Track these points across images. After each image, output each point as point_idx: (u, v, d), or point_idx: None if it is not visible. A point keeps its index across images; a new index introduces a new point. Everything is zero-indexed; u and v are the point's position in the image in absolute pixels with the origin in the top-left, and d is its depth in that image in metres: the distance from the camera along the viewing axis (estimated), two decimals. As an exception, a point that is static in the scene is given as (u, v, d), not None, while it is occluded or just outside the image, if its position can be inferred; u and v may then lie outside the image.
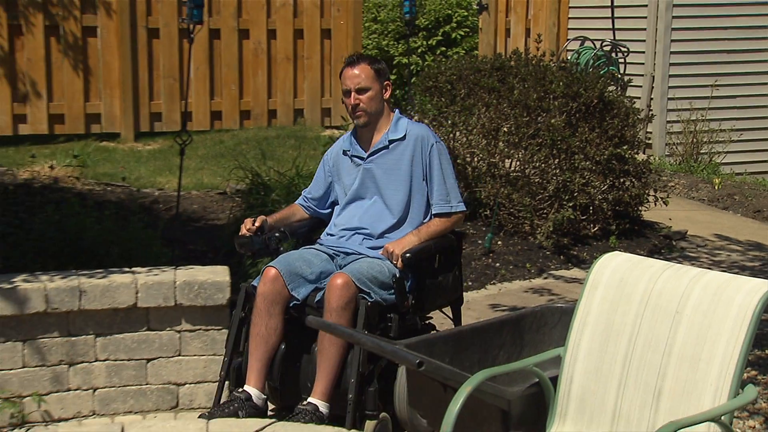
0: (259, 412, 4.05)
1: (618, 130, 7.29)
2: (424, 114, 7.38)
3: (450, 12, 11.05)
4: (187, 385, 4.69)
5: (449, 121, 7.24)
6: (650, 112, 9.53)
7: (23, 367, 4.50)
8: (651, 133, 10.60)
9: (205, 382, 4.68)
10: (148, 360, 4.63)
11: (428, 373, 3.03)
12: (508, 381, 3.29)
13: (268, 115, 9.60)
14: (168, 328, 4.64)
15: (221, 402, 4.15)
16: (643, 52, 10.74)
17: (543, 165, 7.16)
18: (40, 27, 8.41)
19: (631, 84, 10.14)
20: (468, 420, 2.93)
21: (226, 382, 4.25)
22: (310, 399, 4.01)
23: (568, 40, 11.57)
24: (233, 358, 4.23)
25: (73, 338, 4.55)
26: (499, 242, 7.07)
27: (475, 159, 7.24)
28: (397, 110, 4.56)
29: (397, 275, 4.17)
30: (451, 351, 3.45)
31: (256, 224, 4.38)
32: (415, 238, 4.30)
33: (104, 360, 4.57)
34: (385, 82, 4.45)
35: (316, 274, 4.23)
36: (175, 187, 7.34)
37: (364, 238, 4.40)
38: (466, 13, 11.14)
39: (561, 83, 7.16)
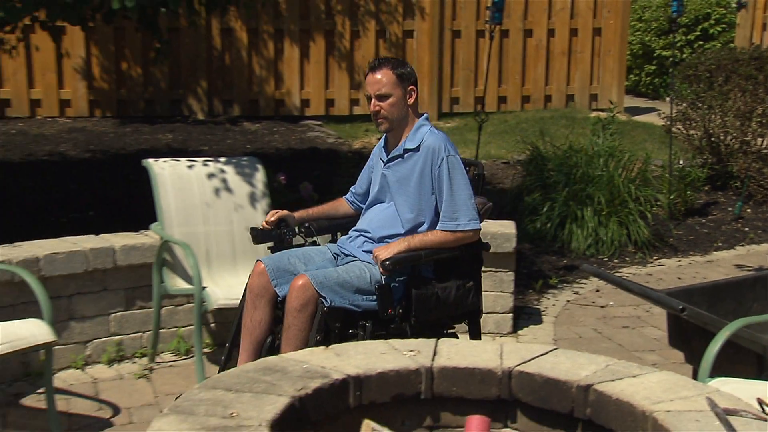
0: None
1: None
2: (682, 99, 7.14)
3: (709, 10, 10.49)
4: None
5: (706, 105, 6.97)
6: None
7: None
8: None
9: (494, 312, 4.73)
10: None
11: (689, 317, 2.90)
12: (760, 331, 3.09)
13: (544, 99, 9.45)
14: (467, 269, 4.71)
15: None
16: None
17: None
18: (372, 31, 8.70)
19: None
20: (723, 361, 2.79)
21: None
22: None
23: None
24: (234, 344, 3.58)
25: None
26: (749, 210, 6.77)
27: (728, 138, 6.99)
28: (423, 116, 3.61)
29: (382, 282, 3.39)
30: (708, 301, 3.27)
31: (273, 218, 3.68)
32: (403, 245, 3.41)
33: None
34: (409, 87, 3.51)
35: (310, 272, 3.48)
36: (469, 156, 7.40)
37: (365, 241, 3.60)
38: (724, 11, 10.53)
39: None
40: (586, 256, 5.85)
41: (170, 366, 4.23)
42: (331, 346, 2.75)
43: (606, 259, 5.85)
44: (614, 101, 7.64)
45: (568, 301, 5.27)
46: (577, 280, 5.59)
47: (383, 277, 3.38)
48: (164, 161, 4.33)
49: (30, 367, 4.05)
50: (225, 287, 4.04)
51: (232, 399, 2.43)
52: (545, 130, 7.54)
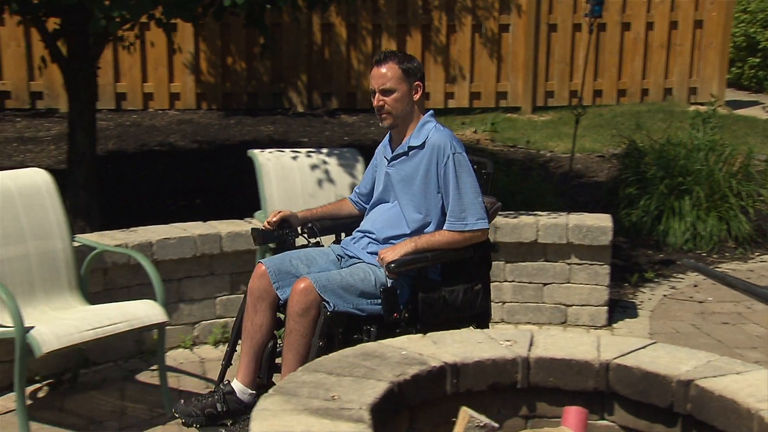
0: (242, 407, 3.26)
1: None
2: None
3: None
4: (573, 307, 4.68)
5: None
6: None
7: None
8: None
9: (588, 305, 4.65)
10: (544, 284, 4.68)
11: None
12: None
13: (641, 93, 9.18)
14: (560, 261, 4.65)
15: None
16: None
17: None
18: (468, 26, 8.63)
19: None
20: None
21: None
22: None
23: None
24: (234, 348, 3.45)
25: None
26: None
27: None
28: (428, 113, 3.41)
29: (388, 285, 3.19)
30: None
31: (275, 219, 3.47)
32: (410, 246, 3.20)
33: (511, 281, 4.68)
34: (415, 83, 3.31)
35: (313, 274, 3.25)
36: (563, 150, 7.32)
37: (370, 243, 3.38)
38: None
39: None
40: (684, 250, 5.69)
41: (272, 349, 4.31)
42: (428, 335, 2.74)
43: (704, 254, 5.67)
44: (715, 94, 7.39)
45: (665, 295, 5.13)
46: (674, 274, 5.44)
47: (389, 280, 3.18)
48: (269, 152, 4.40)
49: (144, 346, 4.20)
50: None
51: (333, 382, 2.46)
52: (642, 123, 7.35)
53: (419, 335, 2.76)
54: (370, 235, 3.37)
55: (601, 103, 9.07)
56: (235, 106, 8.32)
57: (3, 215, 3.56)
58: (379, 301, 3.14)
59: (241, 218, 4.48)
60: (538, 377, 2.52)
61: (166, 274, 4.05)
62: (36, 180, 3.74)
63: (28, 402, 3.59)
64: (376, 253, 3.25)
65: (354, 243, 3.40)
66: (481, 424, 2.29)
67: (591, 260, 4.61)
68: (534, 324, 4.67)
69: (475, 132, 7.73)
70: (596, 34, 8.68)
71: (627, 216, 5.86)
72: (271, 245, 3.53)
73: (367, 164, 4.61)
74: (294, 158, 4.42)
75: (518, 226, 4.59)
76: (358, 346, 2.73)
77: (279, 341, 3.35)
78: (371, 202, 3.50)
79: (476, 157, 3.59)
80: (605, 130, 7.93)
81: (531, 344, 2.59)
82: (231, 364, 3.45)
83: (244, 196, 4.89)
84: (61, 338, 3.25)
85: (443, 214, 3.29)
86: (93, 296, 3.84)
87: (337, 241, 3.57)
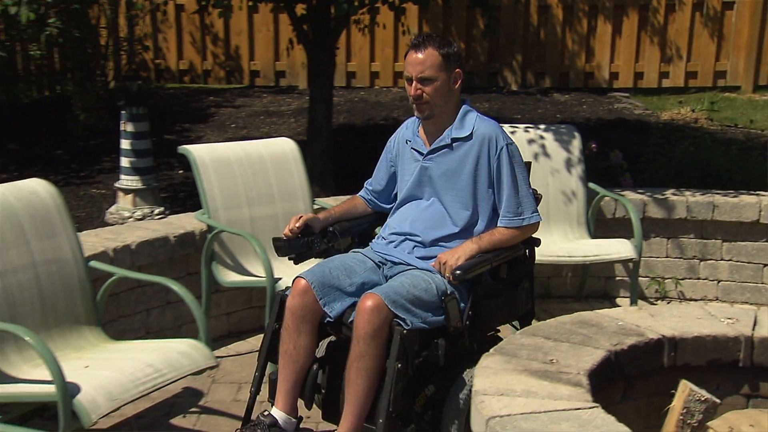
0: None
1: None
2: None
3: None
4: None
5: None
6: None
7: (666, 257, 4.52)
8: None
9: None
10: (764, 265, 4.36)
11: None
12: None
13: None
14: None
15: (250, 421, 2.87)
16: None
17: None
18: (688, 4, 8.10)
19: None
20: None
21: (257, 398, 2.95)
22: None
23: None
24: (264, 373, 2.92)
25: (705, 241, 4.45)
26: None
27: None
28: (466, 102, 2.93)
29: (448, 292, 2.73)
30: None
31: (298, 224, 2.95)
32: (473, 247, 2.78)
33: (728, 260, 4.42)
34: (456, 70, 2.83)
35: (356, 286, 2.79)
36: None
37: (415, 246, 2.89)
38: None
39: None
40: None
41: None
42: (644, 307, 2.66)
43: None
44: None
45: None
46: None
47: (448, 287, 2.75)
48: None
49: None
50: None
51: (551, 347, 2.44)
52: None
53: (635, 308, 2.68)
54: (413, 237, 2.90)
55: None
56: (454, 84, 8.36)
57: (257, 179, 3.82)
58: (441, 310, 2.70)
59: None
60: (763, 357, 2.36)
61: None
62: (284, 148, 3.97)
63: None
64: (425, 258, 2.85)
65: (394, 247, 2.92)
66: (703, 398, 2.19)
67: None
68: (751, 305, 4.37)
69: (692, 111, 7.30)
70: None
71: None
72: (291, 256, 2.99)
73: (584, 141, 4.51)
74: (512, 132, 4.38)
75: (738, 205, 4.30)
76: (575, 314, 2.69)
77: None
78: (400, 199, 3.00)
79: None
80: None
81: (755, 324, 2.44)
82: (259, 392, 2.93)
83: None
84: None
85: (493, 209, 2.88)
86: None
87: (355, 243, 3.11)
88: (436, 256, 2.80)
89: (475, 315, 2.78)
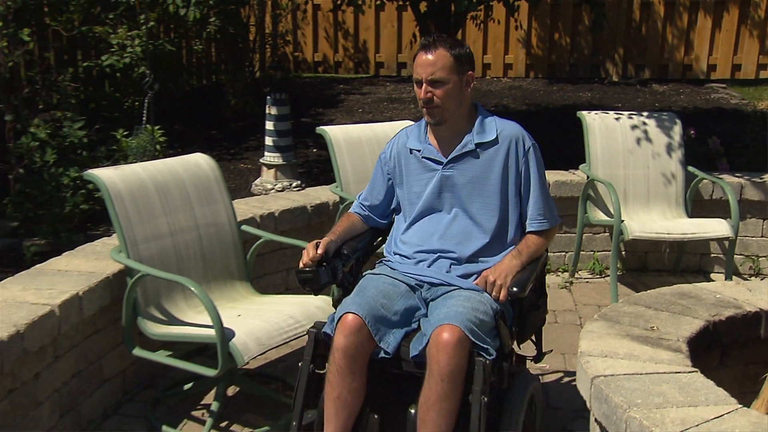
0: None
1: None
2: None
3: None
4: None
5: None
6: None
7: (762, 236, 4.26)
8: None
9: None
10: None
11: None
12: None
13: None
14: None
15: None
16: None
17: None
18: (789, -2, 7.61)
19: None
20: None
21: None
22: None
23: None
24: (302, 424, 2.26)
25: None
26: None
27: None
28: (479, 105, 2.47)
29: (499, 310, 2.27)
30: None
31: (320, 251, 2.36)
32: (516, 262, 2.33)
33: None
34: (468, 72, 2.37)
35: (399, 314, 2.26)
36: None
37: (452, 264, 2.37)
38: None
39: None
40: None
41: (586, 282, 4.21)
42: (741, 282, 2.52)
43: None
44: None
45: None
46: None
47: (498, 306, 2.28)
48: (595, 113, 4.24)
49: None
50: (639, 222, 3.87)
51: (651, 315, 2.36)
52: None
53: (732, 282, 2.55)
54: (447, 254, 2.39)
55: None
56: (558, 75, 8.14)
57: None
58: (497, 331, 2.23)
59: (566, 169, 4.39)
60: None
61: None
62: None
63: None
64: (465, 276, 2.35)
65: (428, 266, 2.39)
66: (800, 369, 2.05)
67: None
68: None
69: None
70: None
71: None
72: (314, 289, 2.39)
73: (685, 129, 4.29)
74: (617, 119, 4.22)
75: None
76: (675, 286, 2.59)
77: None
78: (416, 212, 2.45)
79: None
80: None
81: None
82: None
83: (568, 151, 4.79)
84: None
85: (520, 213, 2.43)
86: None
87: (363, 263, 2.54)
88: (475, 273, 2.34)
89: (520, 331, 2.38)
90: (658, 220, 3.95)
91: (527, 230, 2.42)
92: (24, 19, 5.35)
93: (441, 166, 2.42)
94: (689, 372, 2.02)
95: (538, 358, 2.64)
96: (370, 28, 8.07)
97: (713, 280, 4.14)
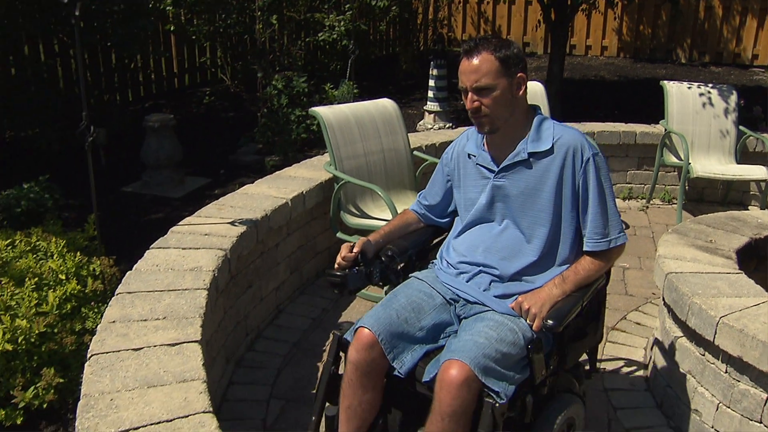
0: None
1: None
2: None
3: None
4: None
5: None
6: None
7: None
8: None
9: None
10: None
11: None
12: None
13: None
14: None
15: None
16: None
17: None
18: None
19: None
20: None
21: None
22: None
23: None
24: (321, 417, 1.57)
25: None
26: None
27: None
28: (538, 109, 1.57)
29: (535, 338, 1.44)
30: None
31: (354, 251, 1.60)
32: (557, 291, 1.47)
33: None
34: (518, 74, 1.48)
35: (426, 330, 1.51)
36: None
37: (492, 281, 1.54)
38: None
39: None
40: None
41: (658, 207, 3.93)
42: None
43: None
44: None
45: None
46: None
47: (534, 335, 1.46)
48: (673, 83, 3.85)
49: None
50: (701, 165, 3.57)
51: (710, 232, 2.24)
52: None
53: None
54: (489, 270, 1.56)
55: None
56: (641, 56, 7.47)
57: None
58: (527, 362, 1.44)
59: (648, 123, 4.04)
60: None
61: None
62: (536, 89, 3.50)
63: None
64: (504, 296, 1.53)
65: (467, 281, 1.57)
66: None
67: None
68: None
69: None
70: None
71: None
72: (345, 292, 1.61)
73: (740, 99, 3.82)
74: (689, 88, 3.83)
75: None
76: (728, 212, 2.44)
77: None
78: (467, 221, 1.63)
79: None
80: None
81: None
82: None
83: (648, 110, 4.41)
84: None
85: (576, 231, 1.55)
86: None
87: (412, 265, 1.70)
88: (517, 294, 1.52)
89: (560, 360, 1.54)
90: (715, 164, 3.64)
91: (584, 249, 1.55)
92: (271, 9, 5.54)
93: (493, 175, 1.58)
94: (736, 273, 1.95)
95: (590, 372, 1.78)
96: (504, 16, 7.73)
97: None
